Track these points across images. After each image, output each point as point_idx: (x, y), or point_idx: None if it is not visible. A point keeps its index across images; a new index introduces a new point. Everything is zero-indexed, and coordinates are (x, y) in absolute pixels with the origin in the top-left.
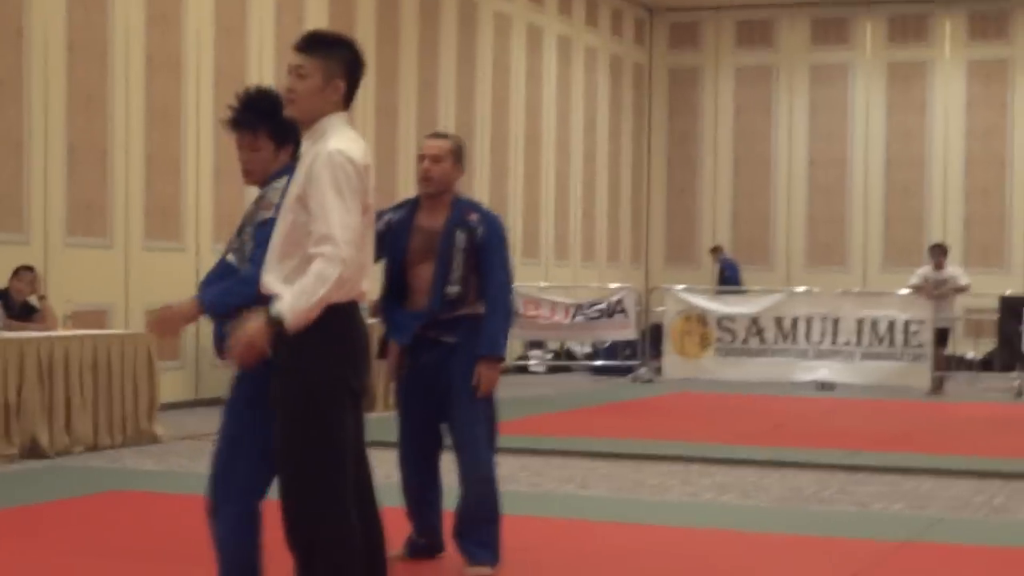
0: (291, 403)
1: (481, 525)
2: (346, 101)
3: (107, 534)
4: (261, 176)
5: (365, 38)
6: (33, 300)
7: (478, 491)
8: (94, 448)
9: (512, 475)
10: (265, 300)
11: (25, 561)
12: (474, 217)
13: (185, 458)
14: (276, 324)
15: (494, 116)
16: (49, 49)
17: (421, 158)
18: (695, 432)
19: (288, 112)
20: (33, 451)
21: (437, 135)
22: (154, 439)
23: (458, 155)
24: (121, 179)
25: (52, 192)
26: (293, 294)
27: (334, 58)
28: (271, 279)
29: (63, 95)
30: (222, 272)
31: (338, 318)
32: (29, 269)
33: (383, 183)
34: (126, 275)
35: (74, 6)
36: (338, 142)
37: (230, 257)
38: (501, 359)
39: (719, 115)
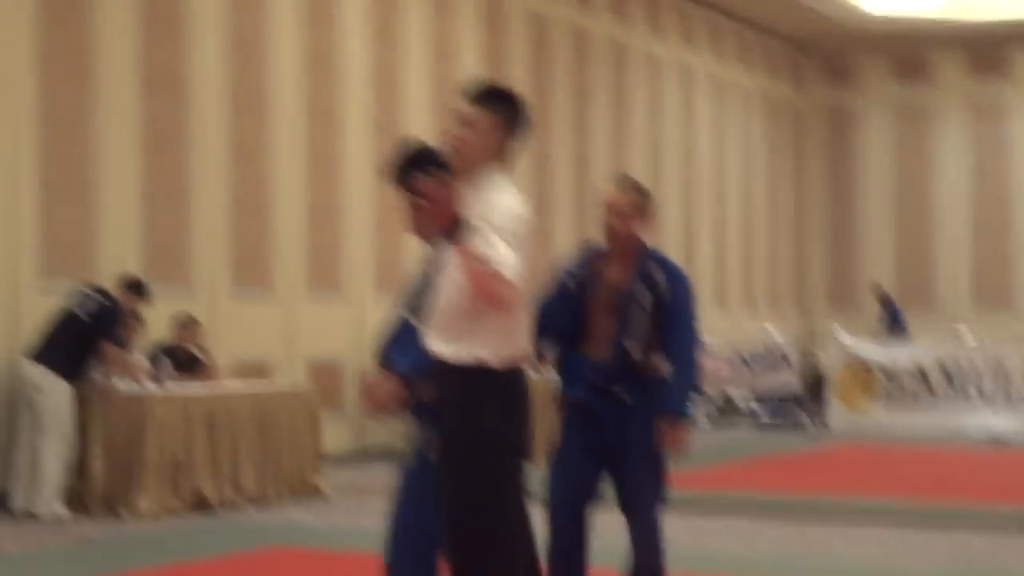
0: (459, 465)
1: None
2: (508, 156)
3: None
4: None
5: (518, 82)
6: (196, 351)
7: (647, 552)
8: (259, 501)
9: (676, 533)
10: (434, 366)
11: None
12: (661, 274)
13: (349, 513)
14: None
15: (648, 161)
16: (210, 100)
17: (606, 210)
18: (860, 486)
19: (452, 163)
20: (199, 505)
21: (623, 185)
22: (318, 492)
23: (645, 208)
24: (282, 230)
25: (216, 244)
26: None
27: (504, 112)
28: (438, 343)
29: (224, 147)
30: (404, 333)
31: (504, 380)
32: (193, 322)
33: (537, 228)
34: (288, 326)
35: (234, 58)
36: (503, 197)
37: (407, 315)
38: (688, 417)
39: (878, 155)
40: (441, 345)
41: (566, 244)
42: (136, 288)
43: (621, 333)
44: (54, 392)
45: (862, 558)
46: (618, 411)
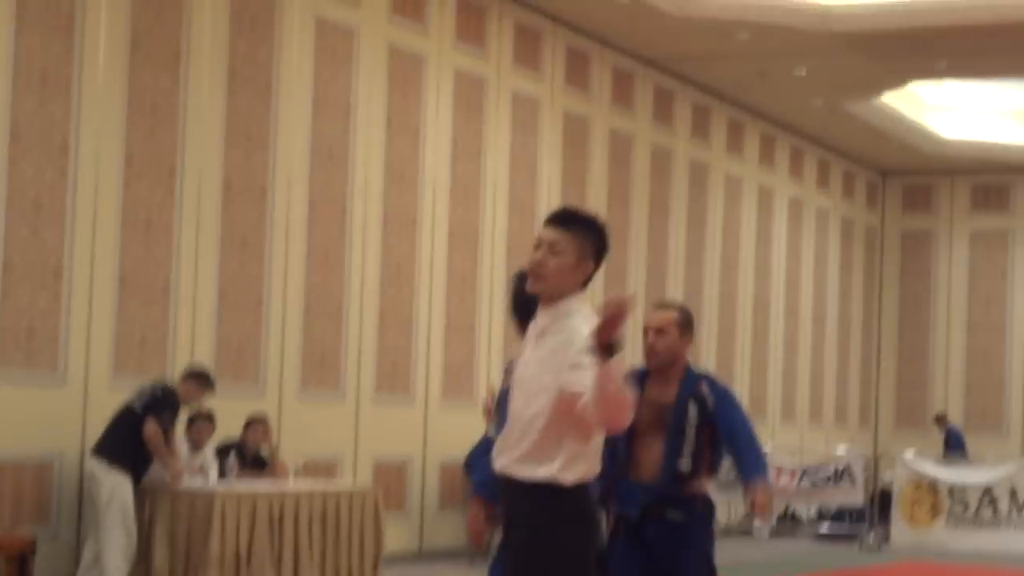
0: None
1: None
2: (588, 282)
3: None
4: None
5: (597, 196)
6: (265, 451)
7: None
8: None
9: None
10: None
11: None
12: (704, 388)
13: None
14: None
15: (723, 277)
16: (292, 204)
17: (645, 331)
18: None
19: (535, 287)
20: None
21: (662, 305)
22: None
23: (684, 325)
24: (355, 332)
25: (288, 344)
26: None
27: (589, 238)
28: (516, 463)
29: (302, 251)
30: (487, 449)
31: (581, 494)
32: (262, 420)
33: None
34: (356, 427)
35: (316, 163)
36: (588, 324)
37: (492, 433)
38: (768, 482)
39: (952, 279)
40: (518, 466)
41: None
42: (198, 378)
43: (672, 450)
44: (112, 484)
45: None
46: (668, 532)
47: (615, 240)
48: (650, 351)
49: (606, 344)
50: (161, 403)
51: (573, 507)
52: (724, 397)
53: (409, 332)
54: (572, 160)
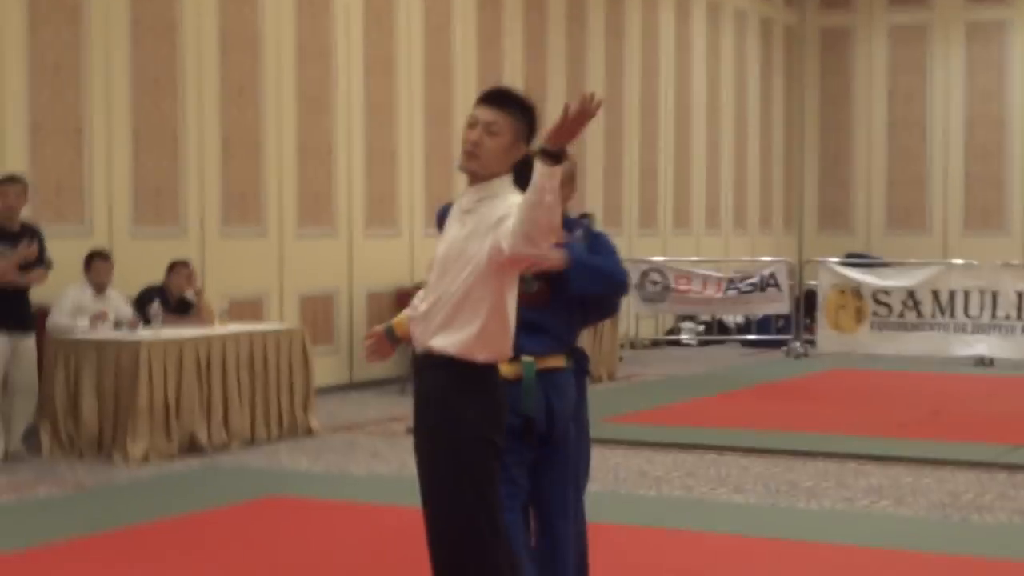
0: (439, 457)
1: None
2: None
3: (261, 549)
4: None
5: (513, 6)
6: (190, 295)
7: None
8: (251, 443)
9: (666, 475)
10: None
11: None
12: (579, 234)
13: (340, 454)
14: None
15: (643, 85)
16: (202, 42)
17: None
18: (851, 421)
19: (467, 166)
20: (192, 448)
21: None
22: (309, 432)
23: (569, 177)
24: (275, 167)
25: (207, 182)
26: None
27: (524, 120)
28: (424, 338)
29: (216, 87)
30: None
31: (491, 374)
32: (185, 264)
33: None
34: (280, 264)
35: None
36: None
37: None
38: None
39: (873, 76)
40: (433, 338)
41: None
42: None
43: None
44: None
45: (853, 504)
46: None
47: (532, 55)
48: None
49: (558, 150)
50: None
51: (482, 385)
52: (597, 239)
53: (329, 163)
54: None
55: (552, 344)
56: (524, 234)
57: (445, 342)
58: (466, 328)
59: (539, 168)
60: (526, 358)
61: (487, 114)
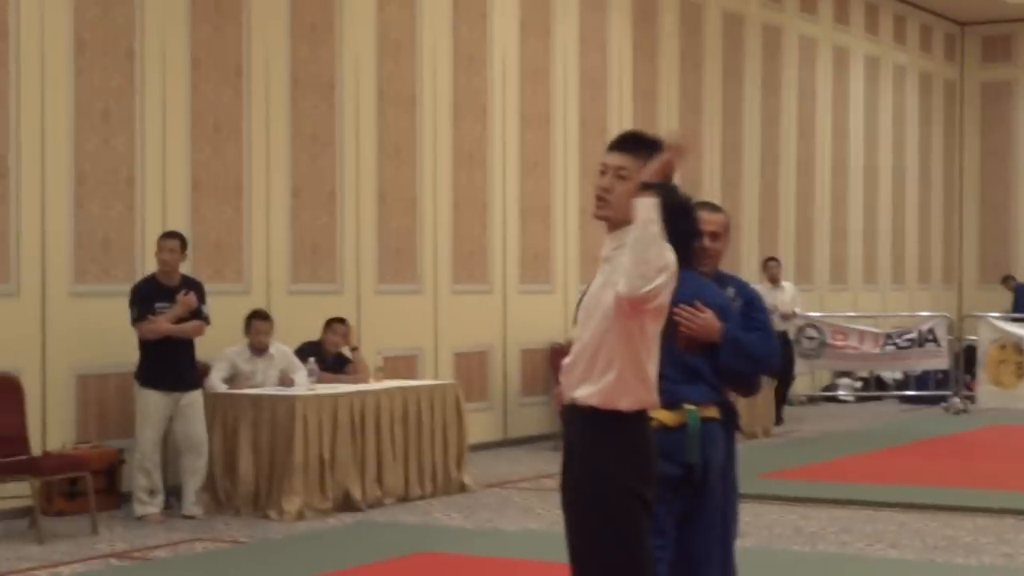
0: (585, 511)
1: None
2: None
3: None
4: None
5: (669, 66)
6: (346, 351)
7: None
8: (405, 499)
9: (821, 531)
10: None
11: None
12: (731, 291)
13: (492, 510)
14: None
15: (799, 141)
16: (360, 98)
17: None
18: (1010, 475)
19: (600, 213)
20: (346, 504)
21: (714, 207)
22: (463, 488)
23: (729, 228)
24: (430, 222)
25: (363, 239)
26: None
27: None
28: (568, 389)
29: (373, 144)
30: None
31: (637, 422)
32: (342, 321)
33: None
34: (435, 320)
35: (383, 58)
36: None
37: None
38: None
39: None
40: (575, 389)
41: None
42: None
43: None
44: (139, 400)
45: (1014, 560)
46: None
47: (688, 107)
48: (706, 255)
49: (654, 183)
50: (131, 305)
51: (628, 436)
52: (751, 301)
53: (484, 219)
54: (642, 31)
55: (709, 393)
56: (636, 271)
57: (586, 392)
58: (604, 377)
59: (639, 202)
60: (689, 406)
61: (616, 159)
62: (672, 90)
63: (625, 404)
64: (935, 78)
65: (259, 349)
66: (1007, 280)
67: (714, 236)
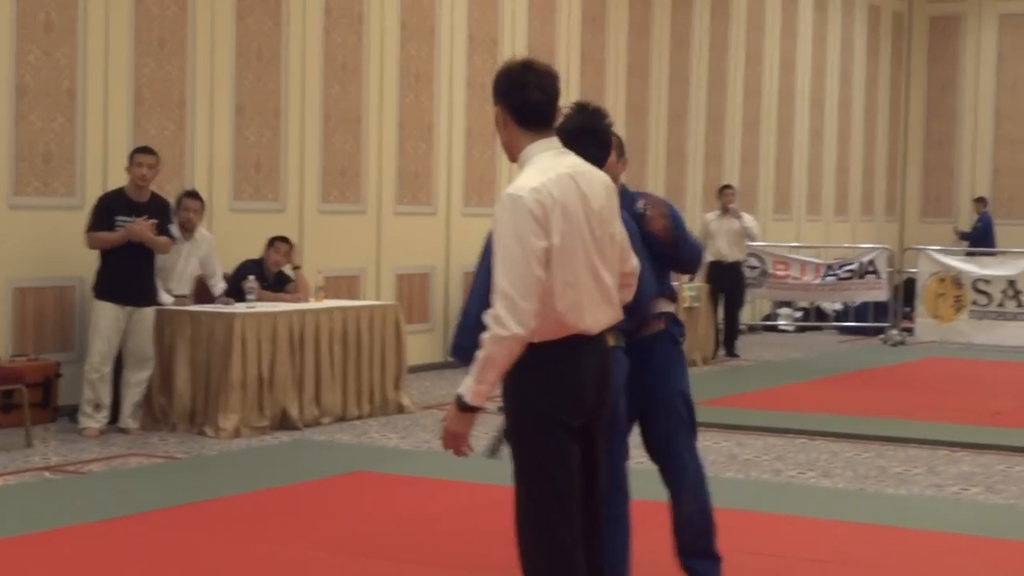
0: (510, 436)
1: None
2: (531, 124)
3: (350, 523)
4: None
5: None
6: (288, 270)
7: None
8: (342, 419)
9: (755, 458)
10: None
11: (264, 552)
12: (640, 203)
13: (430, 432)
14: (461, 406)
15: (747, 70)
16: (307, 15)
17: None
18: (944, 408)
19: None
20: (284, 423)
21: None
22: (400, 409)
23: (618, 148)
24: (375, 143)
25: (307, 159)
26: (470, 374)
27: (497, 95)
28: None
29: (319, 63)
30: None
31: (547, 355)
32: (285, 240)
33: (635, 145)
34: (378, 240)
35: None
36: (520, 180)
37: None
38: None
39: (981, 64)
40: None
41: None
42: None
43: None
44: (94, 312)
45: (942, 490)
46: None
47: (636, 37)
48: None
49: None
50: (91, 214)
51: (538, 364)
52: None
53: (430, 140)
54: None
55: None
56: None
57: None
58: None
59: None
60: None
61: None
62: (621, 18)
63: (536, 334)
64: (884, 10)
65: (187, 229)
66: (979, 202)
67: None
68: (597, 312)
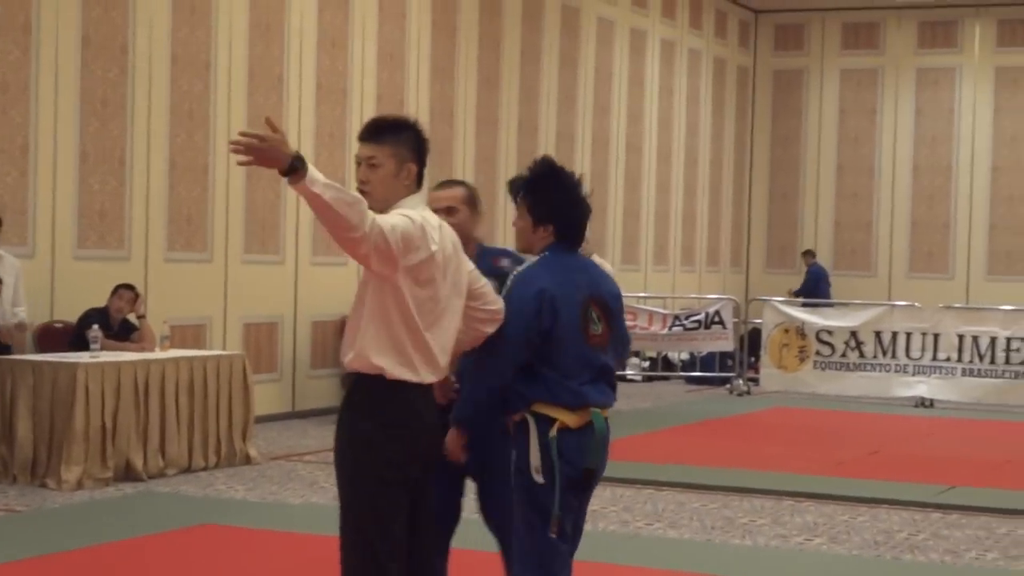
0: (338, 473)
1: None
2: (418, 181)
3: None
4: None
5: (467, 43)
6: (133, 319)
7: None
8: (188, 470)
9: (602, 509)
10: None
11: None
12: (505, 262)
13: (276, 484)
14: (300, 164)
15: (595, 122)
16: (152, 63)
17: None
18: (789, 458)
19: (369, 204)
20: (127, 474)
21: (448, 183)
22: (247, 460)
23: (472, 202)
24: (222, 191)
25: (153, 207)
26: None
27: (403, 143)
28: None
29: (165, 109)
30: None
31: (388, 392)
32: (130, 288)
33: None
34: (225, 289)
35: (178, 22)
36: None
37: None
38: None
39: (823, 118)
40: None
41: (512, 211)
42: None
43: None
44: None
45: (787, 541)
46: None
47: (486, 87)
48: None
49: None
50: None
51: (384, 401)
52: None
53: (277, 189)
54: (442, 10)
55: (610, 395)
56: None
57: (348, 357)
58: (359, 340)
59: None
60: (595, 409)
61: (365, 150)
62: (470, 69)
63: (378, 369)
64: (729, 64)
65: None
66: (807, 255)
67: (450, 211)
68: None
